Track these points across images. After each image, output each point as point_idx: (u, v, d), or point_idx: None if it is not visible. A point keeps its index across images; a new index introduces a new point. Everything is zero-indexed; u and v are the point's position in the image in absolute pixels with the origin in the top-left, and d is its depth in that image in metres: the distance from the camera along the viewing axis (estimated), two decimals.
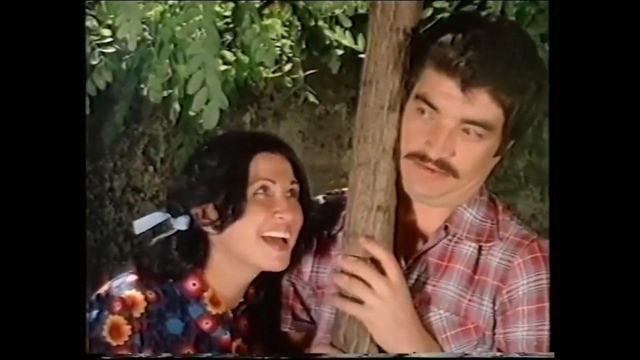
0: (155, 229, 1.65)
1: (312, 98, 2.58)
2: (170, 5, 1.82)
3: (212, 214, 1.60)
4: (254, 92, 2.94)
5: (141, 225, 1.67)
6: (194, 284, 1.64)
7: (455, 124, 1.40)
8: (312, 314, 1.65)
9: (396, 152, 1.44)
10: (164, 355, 1.64)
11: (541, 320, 1.46)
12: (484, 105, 1.39)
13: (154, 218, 1.66)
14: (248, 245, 1.60)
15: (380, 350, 1.42)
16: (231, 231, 1.60)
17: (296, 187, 1.64)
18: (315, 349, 1.53)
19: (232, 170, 1.59)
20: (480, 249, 1.51)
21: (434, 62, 1.40)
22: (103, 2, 1.89)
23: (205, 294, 1.63)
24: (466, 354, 1.49)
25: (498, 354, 1.48)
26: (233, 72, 2.11)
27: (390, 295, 1.39)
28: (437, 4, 2.14)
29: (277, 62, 2.20)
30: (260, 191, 1.60)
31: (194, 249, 1.63)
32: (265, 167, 1.61)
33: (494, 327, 1.49)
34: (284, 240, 1.60)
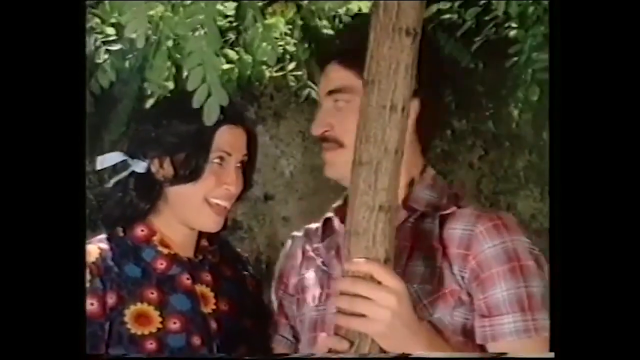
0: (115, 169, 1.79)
1: (314, 95, 2.59)
2: (173, 5, 1.83)
3: (168, 168, 1.73)
4: (254, 92, 2.95)
5: (103, 161, 1.80)
6: (142, 230, 1.77)
7: (325, 99, 1.59)
8: (297, 326, 1.69)
9: (398, 152, 1.45)
10: (168, 355, 1.67)
11: (517, 280, 1.50)
12: (338, 75, 1.58)
13: (115, 156, 1.79)
14: (191, 207, 1.74)
15: (382, 350, 1.43)
16: (179, 190, 1.73)
17: (245, 158, 1.79)
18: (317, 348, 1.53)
19: (198, 135, 1.71)
20: (440, 220, 1.56)
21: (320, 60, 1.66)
22: (107, 1, 1.90)
23: (155, 238, 1.76)
24: (468, 356, 1.50)
25: (487, 328, 1.51)
26: (236, 70, 2.11)
27: (396, 303, 1.39)
28: (440, 5, 2.15)
29: (280, 60, 2.20)
30: (217, 160, 1.74)
31: (149, 190, 1.76)
32: (227, 140, 1.75)
33: (472, 296, 1.52)
34: (225, 207, 1.76)
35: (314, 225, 1.75)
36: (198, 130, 1.70)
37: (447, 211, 1.58)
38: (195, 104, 1.62)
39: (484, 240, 1.52)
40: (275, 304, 1.76)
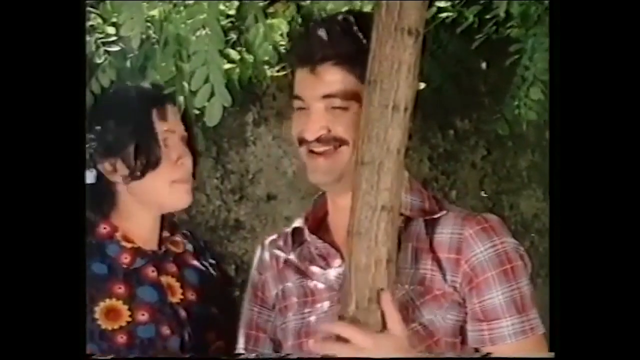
0: None
1: None
2: (175, 5, 1.83)
3: (122, 168, 1.75)
4: (257, 92, 2.95)
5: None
6: (104, 228, 1.79)
7: (319, 104, 1.52)
8: (278, 335, 1.68)
9: (400, 152, 1.45)
10: (161, 355, 1.67)
11: (509, 282, 1.52)
12: (334, 78, 1.52)
13: None
14: (161, 193, 1.77)
15: None
16: (143, 182, 1.75)
17: (185, 134, 1.82)
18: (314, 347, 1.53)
19: (137, 127, 1.74)
20: (427, 224, 1.56)
21: (296, 62, 1.56)
22: (107, 1, 1.90)
23: (117, 234, 1.78)
24: (467, 356, 1.50)
25: (486, 333, 1.51)
26: (237, 70, 2.11)
27: (371, 344, 1.38)
28: (441, 4, 2.15)
29: (282, 60, 2.21)
30: (163, 142, 1.76)
31: (102, 201, 1.78)
32: (164, 121, 1.77)
33: (466, 299, 1.53)
34: (187, 182, 1.81)
35: (281, 235, 1.74)
36: (136, 123, 1.74)
37: (434, 215, 1.57)
38: (198, 104, 1.62)
39: (474, 244, 1.53)
40: (248, 317, 1.74)
